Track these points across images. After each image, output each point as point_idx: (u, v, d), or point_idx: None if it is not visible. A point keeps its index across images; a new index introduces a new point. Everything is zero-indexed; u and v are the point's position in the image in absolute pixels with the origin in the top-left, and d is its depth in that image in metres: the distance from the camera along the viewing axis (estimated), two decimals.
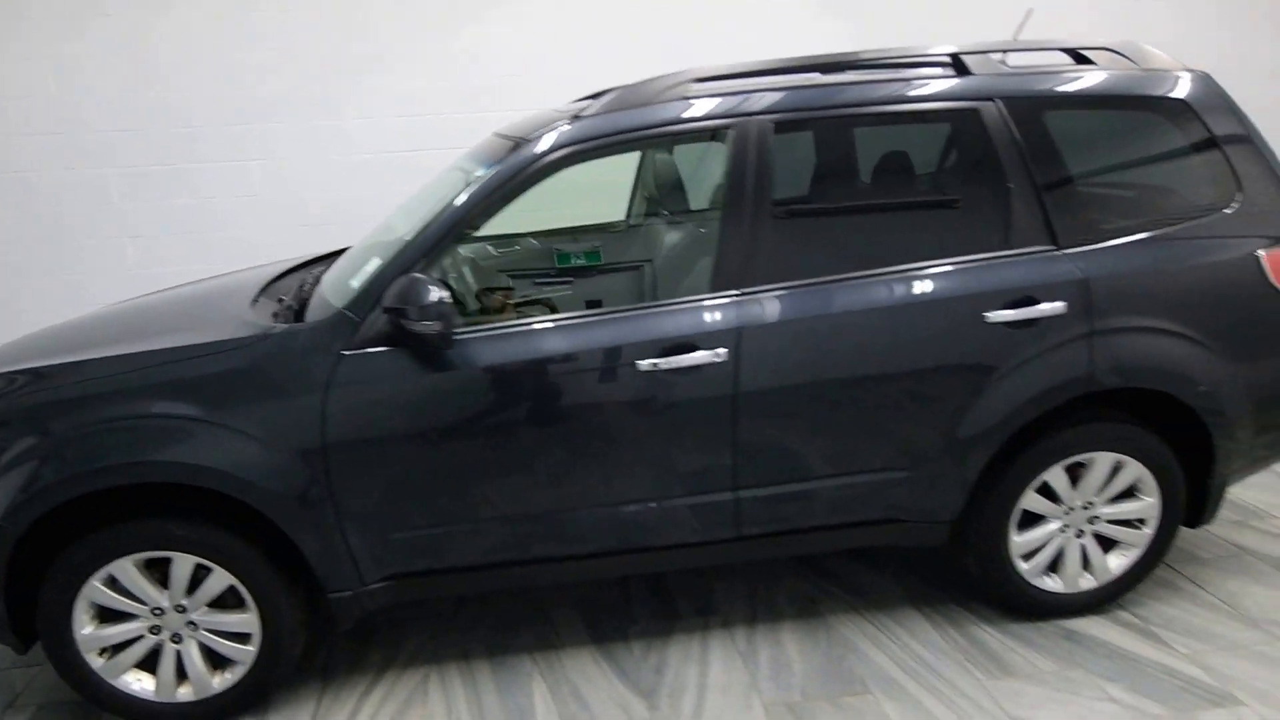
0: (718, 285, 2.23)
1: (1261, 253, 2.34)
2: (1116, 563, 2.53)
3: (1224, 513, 3.06)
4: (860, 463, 2.33)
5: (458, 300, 2.41)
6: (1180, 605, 2.59)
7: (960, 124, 2.33)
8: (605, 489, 2.25)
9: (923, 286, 2.26)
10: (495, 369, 2.16)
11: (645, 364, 2.15)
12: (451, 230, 2.19)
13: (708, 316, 2.20)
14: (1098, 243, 2.31)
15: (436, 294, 2.02)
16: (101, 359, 2.17)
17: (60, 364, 2.17)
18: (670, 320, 2.21)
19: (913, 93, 2.31)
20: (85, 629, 2.16)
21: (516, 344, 2.17)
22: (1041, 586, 2.51)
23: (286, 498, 2.12)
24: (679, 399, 2.20)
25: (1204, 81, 2.39)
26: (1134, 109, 2.38)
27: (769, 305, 2.21)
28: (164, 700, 2.25)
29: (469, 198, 2.19)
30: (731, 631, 2.56)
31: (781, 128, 2.26)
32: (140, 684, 2.25)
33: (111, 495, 2.13)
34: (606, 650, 2.51)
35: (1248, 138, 2.38)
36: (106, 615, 2.19)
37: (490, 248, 3.33)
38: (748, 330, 2.19)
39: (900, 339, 2.25)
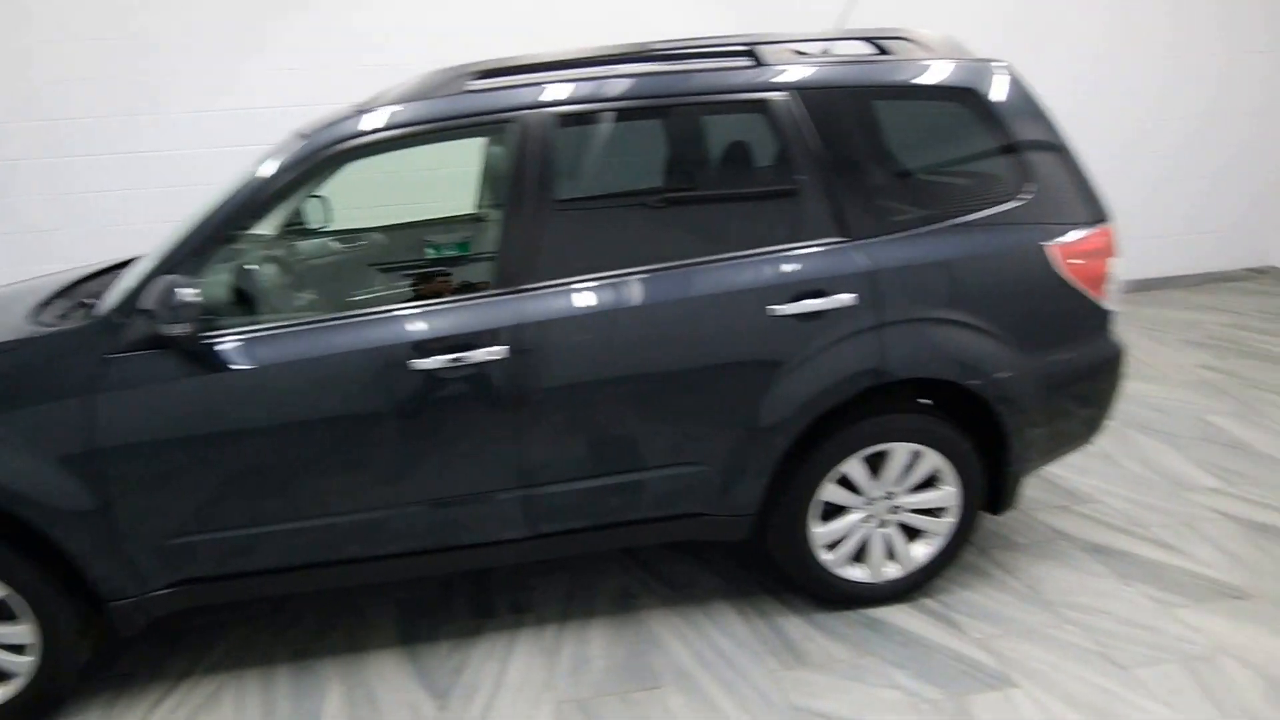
0: (501, 281, 2.21)
1: (1048, 243, 2.38)
2: (921, 551, 2.57)
3: (1048, 497, 3.13)
4: (654, 458, 2.33)
5: (247, 299, 2.35)
6: (984, 591, 2.64)
7: (749, 115, 2.32)
8: (386, 491, 2.23)
9: (708, 281, 2.26)
10: (259, 371, 2.11)
11: (420, 363, 2.12)
12: (221, 228, 2.14)
13: (486, 314, 2.18)
14: (888, 234, 2.33)
15: (187, 295, 1.97)
16: None
17: None
18: (450, 318, 2.18)
19: (700, 84, 2.30)
20: None
21: (284, 344, 2.13)
22: (846, 576, 2.54)
23: (51, 505, 2.06)
24: (460, 398, 2.18)
25: (996, 70, 2.42)
26: (926, 98, 2.41)
27: (551, 302, 2.19)
28: None
29: (237, 196, 2.14)
30: (542, 629, 2.56)
31: (565, 121, 2.24)
32: None
33: None
34: (412, 650, 2.49)
35: (1040, 128, 2.41)
36: None
37: (335, 243, 3.27)
38: (528, 327, 2.17)
39: (686, 334, 2.25)
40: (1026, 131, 2.39)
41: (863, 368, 2.31)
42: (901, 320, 2.32)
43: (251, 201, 2.15)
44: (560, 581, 2.78)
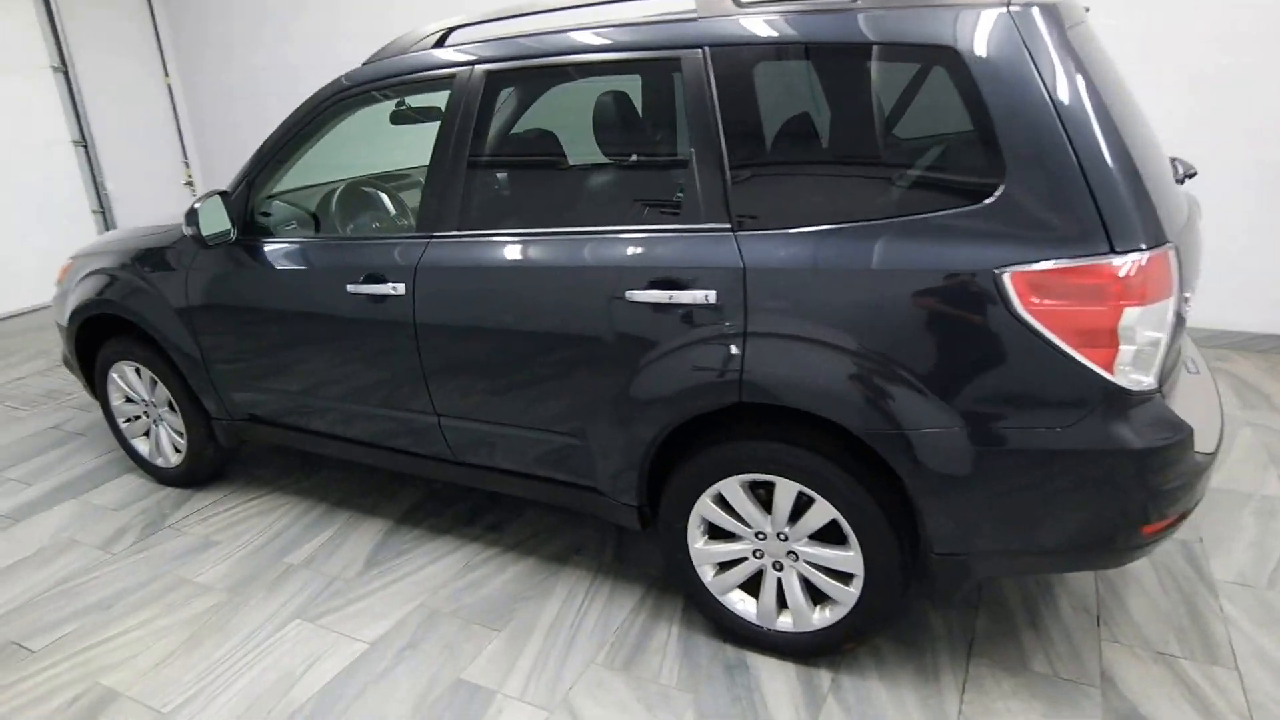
0: (419, 226, 2.42)
1: (1008, 270, 1.68)
2: (819, 616, 2.13)
3: (1155, 630, 2.20)
4: (531, 419, 2.36)
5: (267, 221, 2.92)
6: (901, 689, 2.08)
7: (658, 76, 2.06)
8: (347, 387, 2.68)
9: (576, 252, 2.15)
10: (259, 270, 2.73)
11: (350, 288, 2.49)
12: (260, 161, 2.74)
13: (397, 254, 2.43)
14: (780, 228, 1.90)
15: (195, 208, 2.62)
16: (117, 238, 3.26)
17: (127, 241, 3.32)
18: (373, 252, 2.49)
19: (624, 40, 2.11)
20: None
21: (275, 252, 2.69)
22: (730, 606, 2.25)
23: (173, 343, 3.00)
24: (379, 321, 2.49)
25: (997, 21, 1.71)
26: (887, 59, 1.83)
27: (444, 250, 2.35)
28: None
29: (272, 135, 2.71)
30: (487, 549, 2.83)
31: (491, 79, 2.28)
32: None
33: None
34: (395, 527, 3.01)
35: (1043, 105, 1.66)
36: None
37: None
38: (423, 270, 2.36)
39: (550, 302, 2.19)
40: (1014, 108, 1.68)
41: (717, 380, 1.97)
42: (770, 334, 1.90)
43: (281, 138, 2.69)
44: (543, 522, 2.97)
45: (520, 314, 2.24)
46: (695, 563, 2.25)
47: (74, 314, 3.27)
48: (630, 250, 2.07)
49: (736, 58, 1.94)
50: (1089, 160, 1.63)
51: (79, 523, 3.21)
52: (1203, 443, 1.85)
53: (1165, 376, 1.77)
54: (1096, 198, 1.63)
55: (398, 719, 2.12)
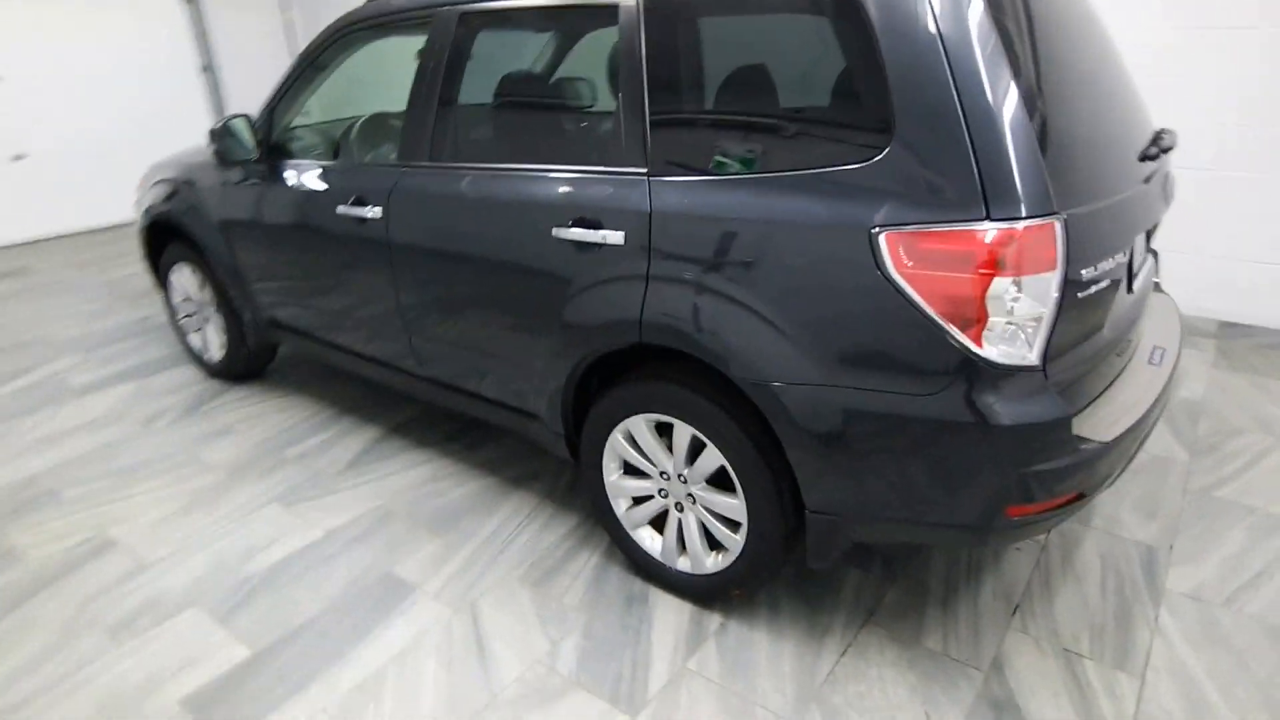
0: (400, 156, 2.58)
1: (884, 230, 1.65)
2: (713, 561, 2.19)
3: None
4: (481, 343, 2.50)
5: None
6: (783, 642, 2.11)
7: (596, 22, 2.11)
8: (339, 300, 2.91)
9: (517, 188, 2.25)
10: (276, 188, 2.98)
11: (339, 209, 2.69)
12: (278, 93, 2.98)
13: (376, 180, 2.61)
14: (687, 175, 1.93)
15: (216, 127, 2.89)
16: (184, 153, 3.62)
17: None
18: (362, 178, 2.68)
19: None
20: None
21: (289, 174, 2.93)
22: (639, 542, 2.34)
23: (208, 245, 3.34)
24: (362, 240, 2.69)
25: None
26: (796, 10, 1.82)
27: (413, 178, 2.51)
28: None
29: (291, 66, 2.93)
30: (459, 464, 3.03)
31: (462, 21, 2.39)
32: None
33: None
34: (384, 432, 3.25)
35: (937, 62, 1.60)
36: None
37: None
38: (395, 195, 2.53)
39: (494, 233, 2.30)
40: (905, 64, 1.63)
41: (621, 319, 2.04)
42: (666, 278, 1.94)
43: (295, 72, 2.91)
44: (513, 447, 3.14)
45: (470, 242, 2.37)
46: (609, 496, 2.34)
47: (142, 218, 3.67)
48: (561, 189, 2.15)
49: (666, 8, 1.96)
50: (975, 121, 1.57)
51: (134, 400, 3.66)
52: (1096, 431, 1.76)
53: (1057, 355, 1.69)
54: (979, 161, 1.57)
55: (325, 598, 2.36)
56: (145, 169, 3.96)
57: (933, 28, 1.60)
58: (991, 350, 1.62)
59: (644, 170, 2.00)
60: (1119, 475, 1.97)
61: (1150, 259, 2.36)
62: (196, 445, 3.25)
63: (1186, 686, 1.97)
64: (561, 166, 2.18)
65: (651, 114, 1.98)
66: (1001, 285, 1.57)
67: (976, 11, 1.60)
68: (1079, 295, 1.68)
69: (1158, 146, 2.12)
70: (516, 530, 2.64)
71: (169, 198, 3.51)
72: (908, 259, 1.63)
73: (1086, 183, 1.69)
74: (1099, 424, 1.81)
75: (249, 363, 3.68)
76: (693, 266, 1.91)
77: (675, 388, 2.05)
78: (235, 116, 2.97)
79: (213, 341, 3.71)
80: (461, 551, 2.54)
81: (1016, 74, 1.60)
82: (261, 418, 3.46)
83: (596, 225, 2.06)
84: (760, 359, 1.84)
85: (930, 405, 1.68)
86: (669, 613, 2.26)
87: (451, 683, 2.05)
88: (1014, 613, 2.23)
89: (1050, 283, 1.60)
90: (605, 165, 2.08)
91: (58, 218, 6.87)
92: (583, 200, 2.10)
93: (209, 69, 7.24)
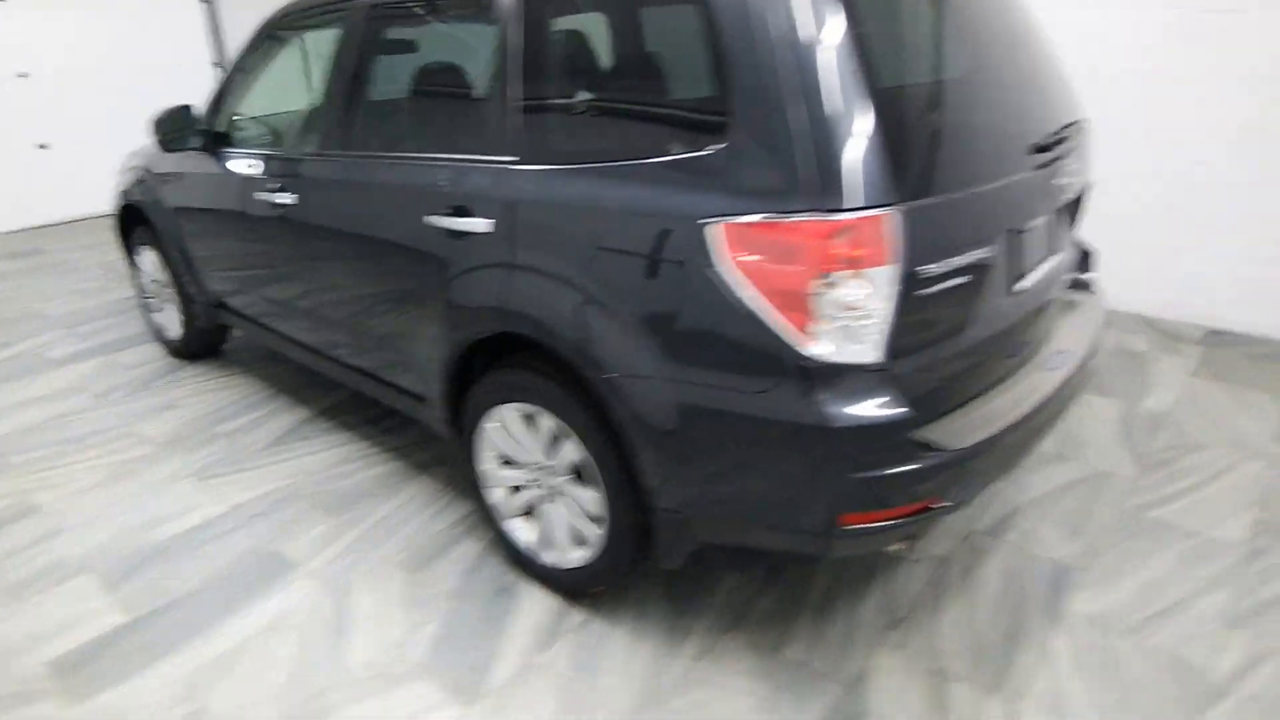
0: (312, 146, 2.61)
1: (717, 221, 1.56)
2: (576, 555, 2.13)
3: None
4: (375, 327, 2.49)
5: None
6: (645, 639, 2.04)
7: (478, 14, 2.07)
8: (266, 283, 2.94)
9: (401, 176, 2.25)
10: (215, 175, 3.04)
11: (258, 195, 2.74)
12: (222, 86, 3.03)
13: (293, 169, 2.66)
14: (549, 164, 1.89)
15: (156, 118, 2.94)
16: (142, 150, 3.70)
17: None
18: (283, 166, 2.72)
19: None
20: None
21: (226, 161, 2.98)
22: (511, 531, 2.29)
23: (167, 230, 3.41)
24: (281, 225, 2.72)
25: None
26: (653, 2, 1.76)
27: (319, 167, 2.55)
28: None
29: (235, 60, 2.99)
30: (378, 441, 3.02)
31: (359, 14, 2.41)
32: None
33: None
34: (331, 405, 3.27)
35: (774, 50, 1.51)
36: None
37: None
38: (304, 183, 2.57)
39: (381, 221, 2.32)
40: (746, 52, 1.54)
41: (489, 305, 2.00)
42: (526, 266, 1.90)
43: (236, 65, 2.96)
44: (426, 433, 3.10)
45: (364, 228, 2.38)
46: (484, 483, 2.30)
47: (116, 203, 3.79)
48: (437, 177, 2.12)
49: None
50: (811, 112, 1.47)
51: (97, 374, 3.77)
52: (949, 438, 1.65)
53: (904, 354, 1.58)
54: (813, 151, 1.47)
55: (211, 571, 2.38)
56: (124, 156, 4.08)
57: (774, 17, 1.51)
58: (822, 347, 1.52)
59: (516, 159, 1.96)
60: (985, 487, 1.85)
61: (1065, 256, 2.21)
62: (139, 419, 3.32)
63: (1061, 717, 1.83)
64: (445, 155, 2.15)
65: (523, 103, 1.94)
66: (832, 279, 1.48)
67: (821, 5, 1.51)
68: (928, 291, 1.57)
69: (1059, 139, 1.97)
70: (410, 515, 2.62)
71: (135, 184, 3.60)
72: (738, 251, 1.54)
73: (943, 173, 1.58)
74: (956, 431, 1.69)
75: (202, 342, 3.75)
76: (545, 256, 1.86)
77: (537, 377, 2.00)
78: (178, 107, 3.03)
79: (172, 321, 3.80)
80: (351, 533, 2.53)
81: (860, 65, 1.50)
82: (205, 394, 3.52)
83: (469, 213, 2.03)
84: (602, 350, 1.77)
85: (761, 403, 1.59)
86: (534, 607, 2.20)
87: (304, 660, 2.04)
88: (894, 627, 2.11)
89: (886, 277, 1.49)
90: (483, 154, 2.05)
91: (76, 203, 7.19)
92: (459, 187, 2.07)
93: (221, 65, 7.47)
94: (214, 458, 3.00)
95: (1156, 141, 3.66)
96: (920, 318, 1.59)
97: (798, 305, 1.51)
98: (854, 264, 1.48)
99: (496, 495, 2.30)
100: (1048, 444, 2.91)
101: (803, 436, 1.56)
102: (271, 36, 2.83)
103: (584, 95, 1.87)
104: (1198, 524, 2.48)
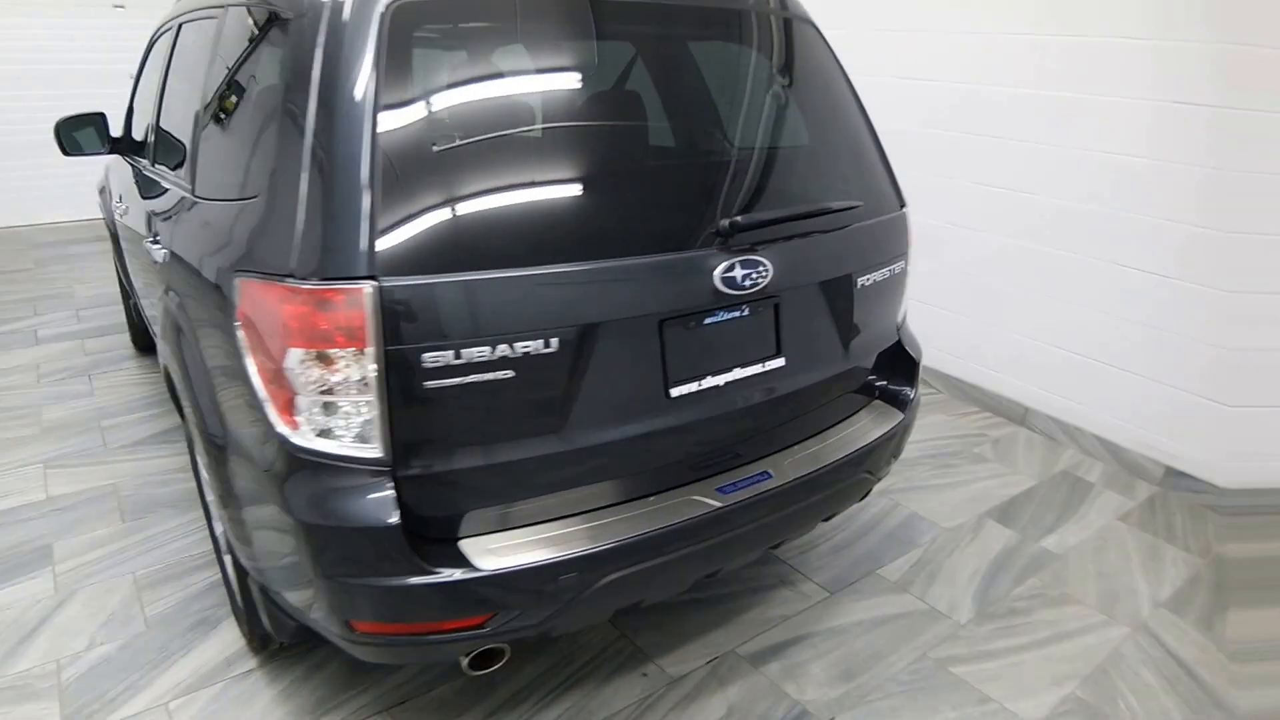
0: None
1: (237, 275, 1.47)
2: None
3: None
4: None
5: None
6: (275, 692, 1.92)
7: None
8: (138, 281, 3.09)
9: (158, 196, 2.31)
10: (122, 183, 3.21)
11: (133, 204, 2.88)
12: (131, 93, 3.22)
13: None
14: (195, 195, 1.92)
15: (56, 122, 3.15)
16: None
17: None
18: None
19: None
20: None
21: (129, 168, 3.15)
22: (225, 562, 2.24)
23: (113, 234, 3.67)
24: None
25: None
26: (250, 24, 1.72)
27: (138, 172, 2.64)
28: None
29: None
30: None
31: (181, 30, 2.49)
32: None
33: None
34: None
35: (300, 110, 1.40)
36: None
37: None
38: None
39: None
40: (287, 109, 1.45)
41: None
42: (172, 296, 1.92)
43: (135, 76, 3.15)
44: None
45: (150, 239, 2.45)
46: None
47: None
48: (154, 204, 2.19)
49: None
50: (315, 172, 1.35)
51: (60, 356, 4.09)
52: (482, 558, 1.44)
53: (417, 453, 1.39)
54: (309, 212, 1.35)
55: None
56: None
57: (306, 75, 1.41)
58: (301, 433, 1.37)
59: (191, 189, 1.96)
60: (571, 619, 1.59)
61: (798, 361, 1.85)
62: (51, 402, 3.56)
63: None
64: (176, 177, 2.18)
65: (193, 135, 1.97)
66: (295, 356, 1.33)
67: (350, 70, 1.38)
68: (442, 382, 1.37)
69: (760, 222, 1.68)
70: (185, 533, 2.61)
71: (101, 192, 3.93)
72: (244, 311, 1.43)
73: (473, 249, 1.38)
74: (503, 551, 1.47)
75: (146, 337, 3.99)
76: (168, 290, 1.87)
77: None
78: (87, 113, 3.25)
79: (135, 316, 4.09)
80: (123, 541, 2.56)
81: (372, 131, 1.35)
82: (124, 388, 3.73)
83: (157, 239, 2.06)
84: (190, 400, 1.74)
85: (264, 480, 1.46)
86: (216, 646, 2.12)
87: None
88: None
89: (366, 361, 1.33)
90: (182, 182, 2.07)
91: None
92: (155, 214, 2.12)
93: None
94: (77, 449, 3.15)
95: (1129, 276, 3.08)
96: (442, 414, 1.38)
97: (278, 380, 1.37)
98: (328, 341, 1.31)
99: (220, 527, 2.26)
100: (891, 566, 2.53)
101: (293, 529, 1.41)
102: (157, 43, 2.98)
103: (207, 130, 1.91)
104: (1000, 691, 2.05)
